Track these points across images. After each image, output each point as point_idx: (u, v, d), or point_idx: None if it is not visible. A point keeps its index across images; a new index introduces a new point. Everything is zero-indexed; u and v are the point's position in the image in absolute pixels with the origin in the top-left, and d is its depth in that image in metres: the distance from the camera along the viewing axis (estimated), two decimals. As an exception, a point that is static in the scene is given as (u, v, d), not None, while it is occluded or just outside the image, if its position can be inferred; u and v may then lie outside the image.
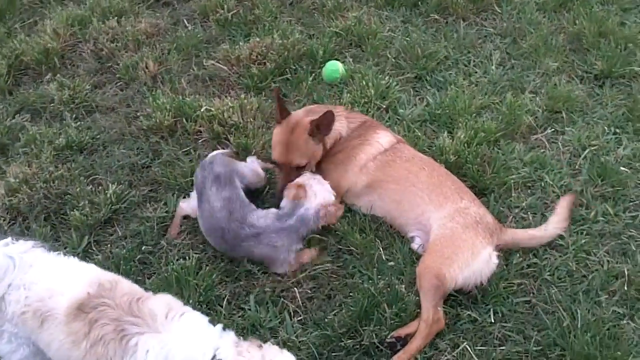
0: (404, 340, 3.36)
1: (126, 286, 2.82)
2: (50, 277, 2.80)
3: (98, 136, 4.57)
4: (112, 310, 2.63)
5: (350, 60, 5.09)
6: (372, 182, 3.97)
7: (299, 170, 3.93)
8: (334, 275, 3.74)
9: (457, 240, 3.59)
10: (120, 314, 2.62)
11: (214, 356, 2.55)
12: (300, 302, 3.58)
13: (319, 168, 4.04)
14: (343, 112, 4.16)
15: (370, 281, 3.63)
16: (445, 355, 3.36)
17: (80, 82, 4.94)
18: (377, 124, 4.22)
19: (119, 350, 2.57)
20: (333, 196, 3.85)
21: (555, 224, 3.83)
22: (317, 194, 3.78)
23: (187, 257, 3.74)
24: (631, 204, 4.07)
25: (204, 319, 2.76)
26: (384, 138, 4.05)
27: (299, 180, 3.84)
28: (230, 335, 2.70)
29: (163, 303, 2.74)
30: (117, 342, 2.57)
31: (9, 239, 2.90)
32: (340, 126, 4.04)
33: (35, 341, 2.82)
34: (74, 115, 4.73)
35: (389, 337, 3.38)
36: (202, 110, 4.57)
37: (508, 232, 3.78)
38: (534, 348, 3.37)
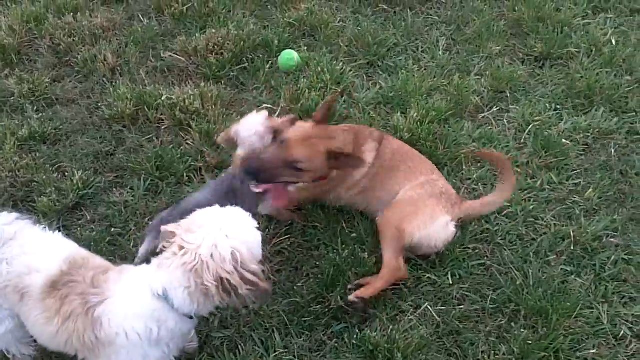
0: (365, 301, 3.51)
1: (97, 262, 2.83)
2: (29, 253, 2.78)
3: (60, 127, 4.59)
4: (79, 285, 2.64)
5: (305, 49, 5.23)
6: (360, 192, 3.96)
7: (290, 172, 3.56)
8: (300, 249, 3.89)
9: (419, 203, 3.74)
10: (85, 288, 2.63)
11: (163, 291, 2.57)
12: (269, 275, 3.69)
13: None
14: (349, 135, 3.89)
15: (335, 251, 3.80)
16: (408, 316, 3.55)
17: (39, 76, 4.94)
18: (362, 136, 3.94)
19: (87, 323, 2.59)
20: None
21: (502, 189, 3.93)
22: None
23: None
24: (573, 172, 4.34)
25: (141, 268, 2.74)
26: (368, 154, 3.88)
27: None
28: (153, 262, 2.68)
29: (118, 269, 2.76)
30: (83, 315, 2.59)
31: None
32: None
33: (18, 314, 2.85)
34: (35, 108, 4.74)
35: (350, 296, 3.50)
36: (163, 98, 4.64)
37: (467, 204, 3.92)
38: (491, 305, 3.60)
